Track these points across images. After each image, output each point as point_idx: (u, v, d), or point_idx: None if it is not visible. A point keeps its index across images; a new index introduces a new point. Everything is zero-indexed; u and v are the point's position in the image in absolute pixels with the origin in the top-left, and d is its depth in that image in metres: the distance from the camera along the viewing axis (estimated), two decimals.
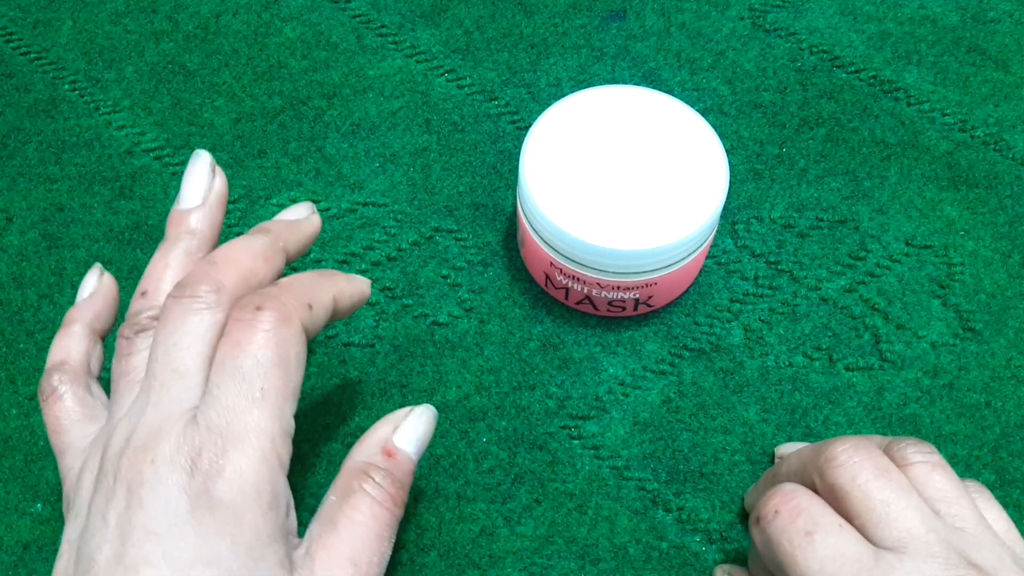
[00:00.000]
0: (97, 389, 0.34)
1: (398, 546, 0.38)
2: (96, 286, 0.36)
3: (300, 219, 0.35)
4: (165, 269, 0.33)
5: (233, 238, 0.44)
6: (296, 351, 0.30)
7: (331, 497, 0.31)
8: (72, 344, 0.34)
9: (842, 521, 0.30)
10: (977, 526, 0.30)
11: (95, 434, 0.32)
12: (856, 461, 0.31)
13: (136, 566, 0.27)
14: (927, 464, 0.32)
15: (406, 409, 0.34)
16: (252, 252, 0.32)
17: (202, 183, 0.35)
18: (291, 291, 0.31)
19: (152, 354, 0.30)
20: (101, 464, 0.30)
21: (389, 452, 0.33)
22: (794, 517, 0.30)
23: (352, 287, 0.34)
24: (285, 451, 0.29)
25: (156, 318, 0.32)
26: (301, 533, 0.31)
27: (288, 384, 0.30)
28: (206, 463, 0.28)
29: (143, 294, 0.33)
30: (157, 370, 0.30)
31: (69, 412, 0.32)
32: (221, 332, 0.30)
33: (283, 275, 0.33)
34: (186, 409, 0.29)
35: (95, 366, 0.34)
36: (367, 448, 0.33)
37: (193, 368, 0.30)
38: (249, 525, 0.28)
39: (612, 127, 0.41)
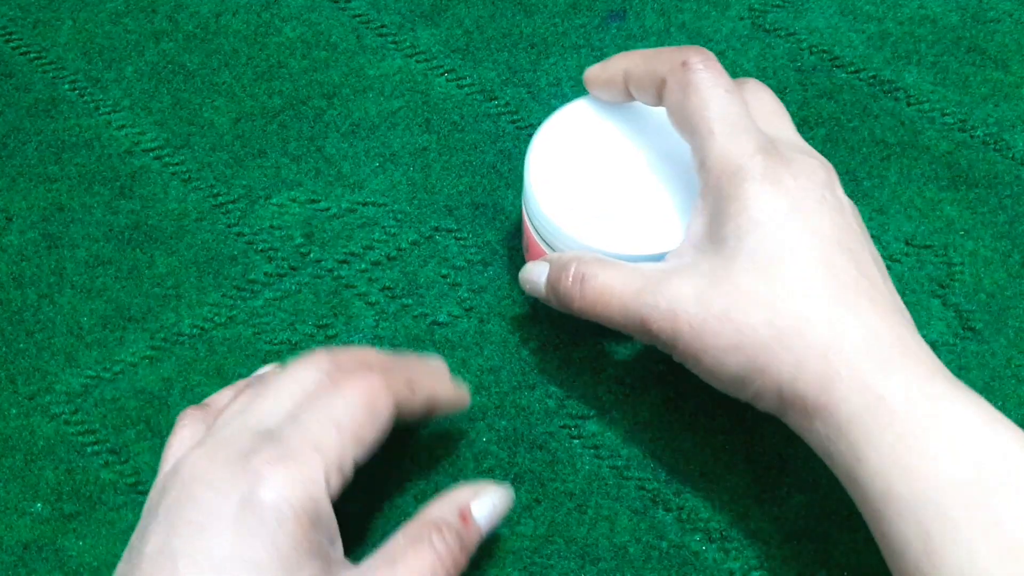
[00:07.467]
0: None
1: None
2: None
3: (456, 385, 0.38)
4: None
5: (233, 238, 0.45)
6: (384, 416, 0.33)
7: (399, 538, 0.32)
8: (225, 392, 0.37)
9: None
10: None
11: None
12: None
13: (175, 557, 0.29)
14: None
15: (489, 482, 0.36)
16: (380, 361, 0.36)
17: None
18: (398, 370, 0.35)
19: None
20: (172, 464, 0.32)
21: (465, 516, 0.34)
22: (718, 74, 0.36)
23: (453, 391, 0.37)
24: (336, 485, 0.31)
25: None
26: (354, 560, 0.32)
27: (365, 434, 0.32)
28: (260, 465, 0.30)
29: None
30: (255, 401, 0.33)
31: (182, 441, 0.34)
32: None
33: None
34: (262, 429, 0.31)
35: None
36: (446, 505, 0.34)
37: (282, 402, 0.33)
38: (289, 535, 0.29)
39: (616, 131, 0.41)
